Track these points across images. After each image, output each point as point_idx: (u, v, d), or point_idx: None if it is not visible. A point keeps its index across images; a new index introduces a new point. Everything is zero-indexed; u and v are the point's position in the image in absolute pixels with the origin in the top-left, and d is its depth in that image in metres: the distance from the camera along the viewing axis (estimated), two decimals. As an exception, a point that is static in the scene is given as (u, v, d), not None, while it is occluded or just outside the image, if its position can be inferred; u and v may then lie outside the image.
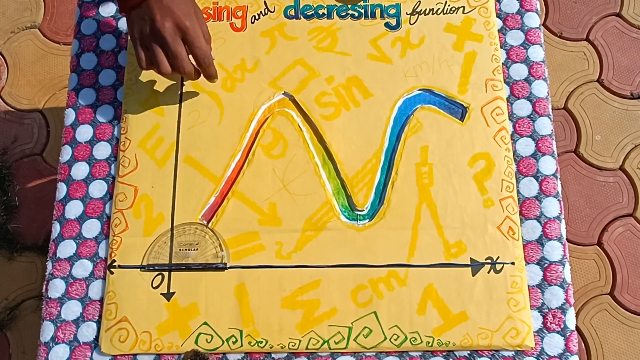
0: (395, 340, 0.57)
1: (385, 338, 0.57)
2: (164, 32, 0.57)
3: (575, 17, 1.36)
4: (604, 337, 1.15)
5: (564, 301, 0.58)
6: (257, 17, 0.68)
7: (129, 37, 0.66)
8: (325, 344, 0.57)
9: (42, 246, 1.23)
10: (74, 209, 0.63)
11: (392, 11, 0.67)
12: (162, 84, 0.66)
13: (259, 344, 0.57)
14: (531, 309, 0.58)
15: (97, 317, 0.59)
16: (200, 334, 0.58)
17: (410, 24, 0.67)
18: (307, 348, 0.57)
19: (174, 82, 0.65)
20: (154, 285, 0.59)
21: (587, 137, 1.28)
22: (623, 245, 1.20)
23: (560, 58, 1.33)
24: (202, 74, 0.62)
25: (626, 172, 1.25)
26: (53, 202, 0.63)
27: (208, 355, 0.55)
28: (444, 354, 0.57)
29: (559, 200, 0.61)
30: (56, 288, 0.60)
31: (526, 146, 0.63)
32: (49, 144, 1.31)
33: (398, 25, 0.67)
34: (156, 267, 0.60)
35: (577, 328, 0.58)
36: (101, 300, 0.60)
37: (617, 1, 1.36)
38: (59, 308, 0.59)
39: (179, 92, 0.65)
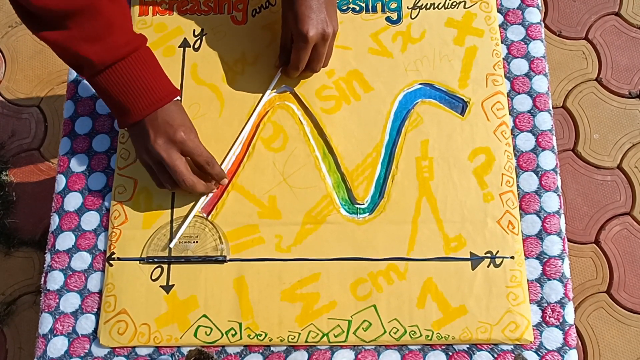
0: (395, 333, 0.57)
1: (385, 331, 0.57)
2: (158, 149, 0.56)
3: (574, 15, 1.36)
4: (600, 334, 1.16)
5: (563, 295, 0.58)
6: (258, 10, 0.68)
7: None
8: (325, 337, 0.57)
9: (39, 241, 1.23)
10: (73, 201, 0.62)
11: (394, 5, 0.67)
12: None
13: (258, 337, 0.57)
14: (530, 303, 0.58)
15: (95, 310, 0.59)
16: (199, 326, 0.57)
17: (411, 18, 0.67)
18: (306, 341, 0.57)
19: (175, 77, 0.65)
20: (153, 278, 0.59)
21: (585, 136, 1.28)
22: (620, 244, 1.20)
23: (559, 57, 1.33)
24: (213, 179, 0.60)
25: (624, 170, 1.25)
26: (50, 197, 0.63)
27: (212, 354, 0.55)
28: (443, 347, 0.57)
29: (558, 195, 0.61)
30: (55, 280, 0.60)
31: (526, 141, 0.63)
32: (46, 139, 1.31)
33: (399, 19, 0.67)
34: (155, 260, 0.59)
35: (575, 324, 0.58)
36: (100, 293, 0.59)
37: (616, 0, 1.37)
38: (57, 300, 0.59)
39: (180, 85, 0.65)
